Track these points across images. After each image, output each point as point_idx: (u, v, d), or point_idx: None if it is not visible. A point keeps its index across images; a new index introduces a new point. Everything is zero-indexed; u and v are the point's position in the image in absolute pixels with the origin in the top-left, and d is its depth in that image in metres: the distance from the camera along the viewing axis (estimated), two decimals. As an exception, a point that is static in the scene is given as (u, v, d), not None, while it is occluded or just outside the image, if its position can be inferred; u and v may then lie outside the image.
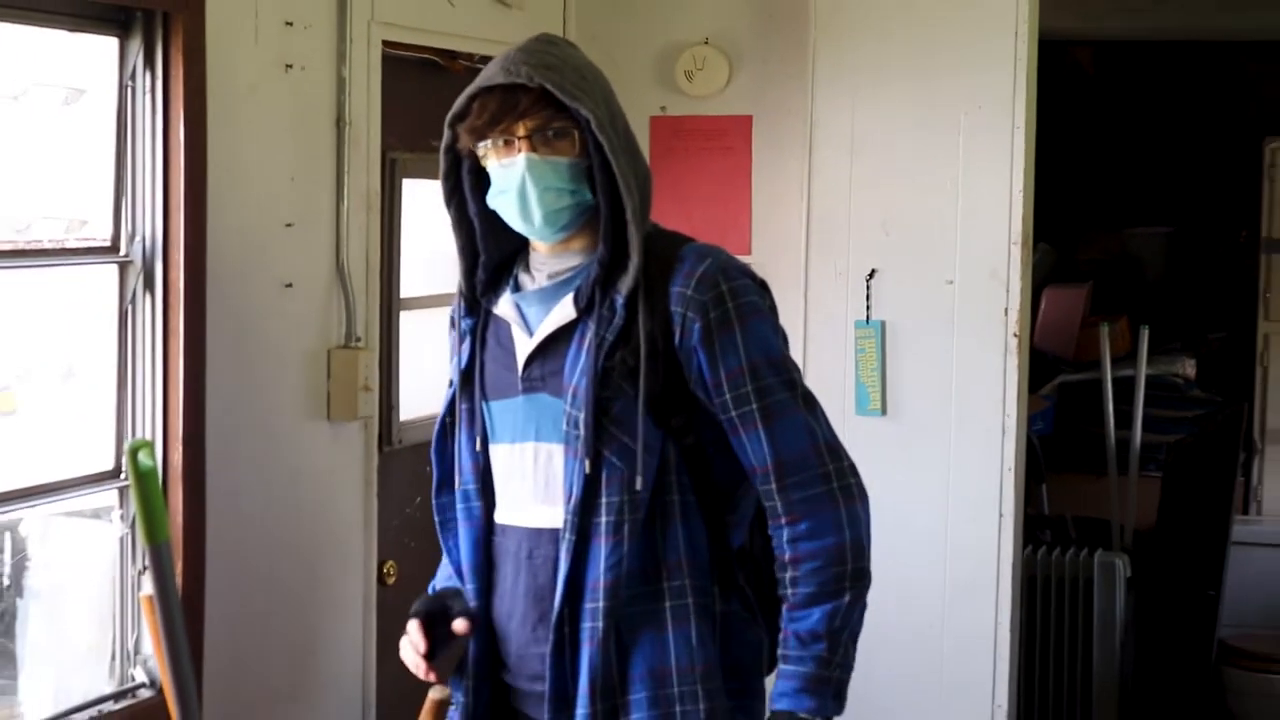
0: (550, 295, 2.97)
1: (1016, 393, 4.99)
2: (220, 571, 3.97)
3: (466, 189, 3.02)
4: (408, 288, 4.81)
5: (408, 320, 4.82)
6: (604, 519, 2.88)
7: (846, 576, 2.90)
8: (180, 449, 3.86)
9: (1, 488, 3.63)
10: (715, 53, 5.31)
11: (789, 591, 2.91)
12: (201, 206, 3.87)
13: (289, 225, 4.23)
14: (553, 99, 2.86)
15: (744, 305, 2.92)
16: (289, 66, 4.20)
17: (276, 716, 4.12)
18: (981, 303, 5.00)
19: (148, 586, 3.71)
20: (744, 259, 5.21)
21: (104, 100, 3.81)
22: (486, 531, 3.08)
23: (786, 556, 2.91)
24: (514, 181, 2.88)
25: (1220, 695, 7.02)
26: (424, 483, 4.85)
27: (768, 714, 2.92)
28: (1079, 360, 7.76)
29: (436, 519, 3.20)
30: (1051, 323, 7.80)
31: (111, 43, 3.79)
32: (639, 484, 2.88)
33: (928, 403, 5.04)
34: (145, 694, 3.87)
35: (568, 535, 2.89)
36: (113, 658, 3.90)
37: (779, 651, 2.93)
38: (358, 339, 4.44)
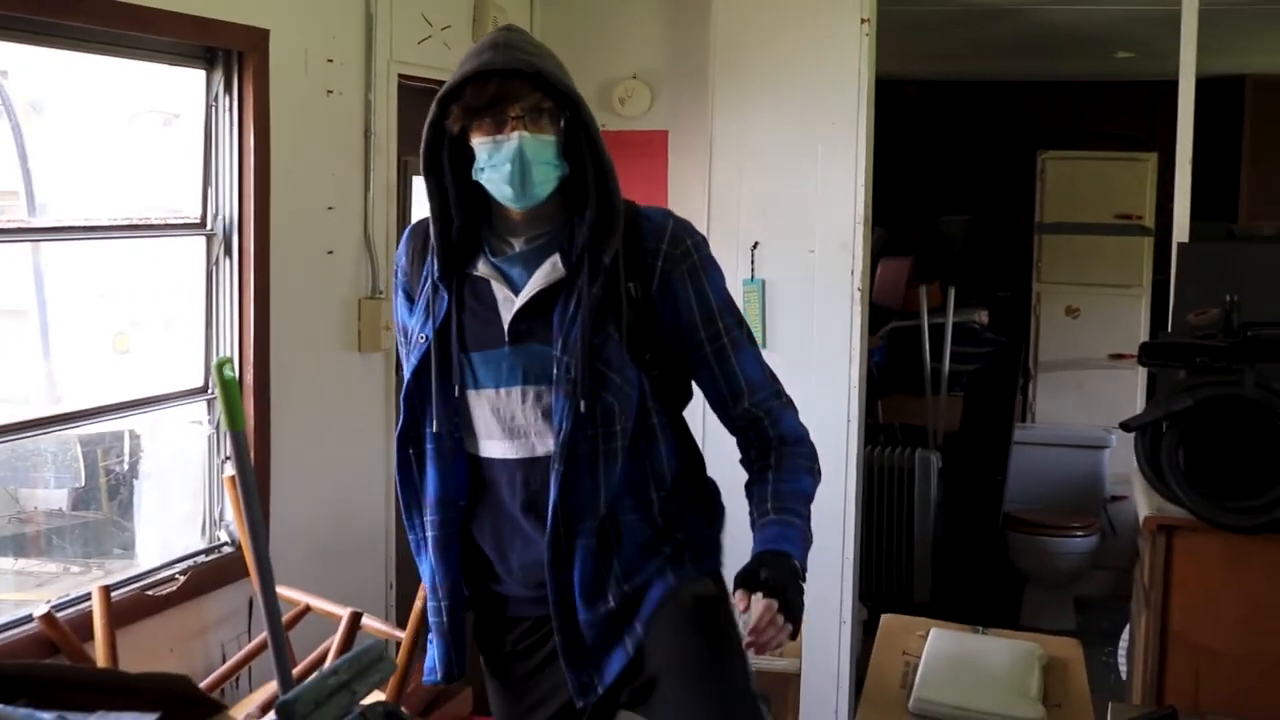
0: (532, 257, 2.62)
1: (859, 333, 5.02)
2: (281, 459, 4.01)
3: (445, 162, 2.62)
4: (416, 255, 4.81)
5: (417, 279, 4.82)
6: (600, 448, 2.58)
7: (817, 462, 2.73)
8: (252, 371, 3.89)
9: (122, 399, 3.68)
10: (641, 84, 5.33)
11: (779, 462, 2.68)
12: (266, 194, 3.90)
13: (330, 208, 4.24)
14: (540, 83, 2.53)
15: (706, 258, 2.69)
16: (330, 92, 4.20)
17: (326, 565, 4.15)
18: (834, 267, 5.03)
19: (230, 470, 3.74)
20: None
21: (193, 119, 3.82)
22: (458, 465, 2.68)
23: (777, 438, 2.69)
24: (509, 156, 2.52)
25: (1005, 553, 7.11)
26: (429, 398, 4.91)
27: (772, 547, 2.58)
28: (905, 311, 7.81)
29: (398, 456, 2.73)
30: (884, 284, 7.85)
31: (200, 74, 3.80)
32: (629, 414, 2.60)
33: (796, 340, 5.07)
34: (227, 550, 3.90)
35: (557, 465, 2.56)
36: (203, 523, 3.93)
37: (769, 505, 2.64)
38: (380, 291, 4.45)
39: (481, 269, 2.64)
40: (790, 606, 2.50)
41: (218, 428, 3.88)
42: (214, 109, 3.83)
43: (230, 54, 3.82)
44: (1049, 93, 9.23)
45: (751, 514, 2.67)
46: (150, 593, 3.61)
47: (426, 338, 2.65)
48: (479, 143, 2.57)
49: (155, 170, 3.89)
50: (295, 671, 3.17)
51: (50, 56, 3.41)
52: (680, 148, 5.33)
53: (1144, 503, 4.34)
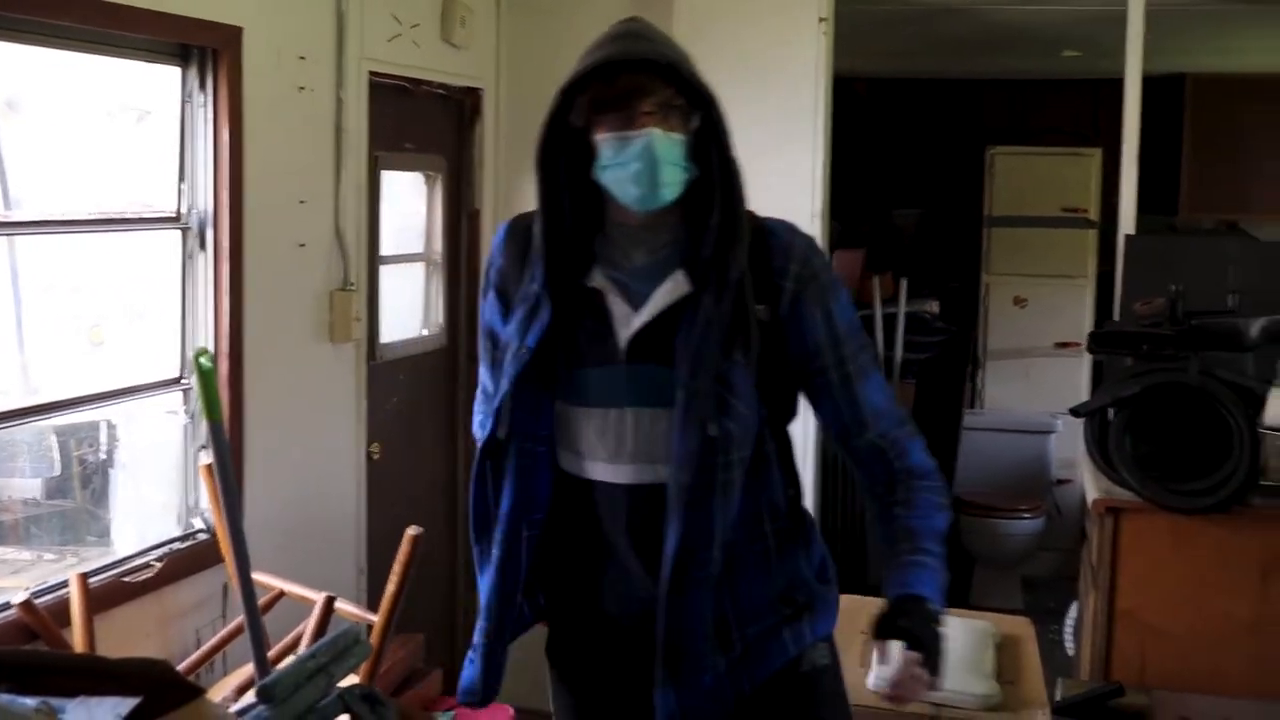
0: (654, 271, 2.35)
1: (817, 322, 5.02)
2: (255, 448, 3.98)
3: (558, 161, 2.34)
4: (385, 247, 4.79)
5: (386, 271, 4.80)
6: (718, 477, 2.29)
7: (948, 496, 2.47)
8: (226, 362, 3.86)
9: (98, 390, 3.64)
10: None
11: (909, 497, 2.40)
12: (240, 188, 3.86)
13: (302, 202, 4.21)
14: (674, 77, 2.27)
15: (833, 279, 2.43)
16: (302, 89, 4.16)
17: (299, 551, 4.12)
18: (792, 259, 5.03)
19: (206, 458, 3.71)
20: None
21: (168, 115, 3.78)
22: (540, 480, 2.42)
23: (904, 471, 2.42)
24: (638, 153, 2.25)
25: (956, 534, 7.15)
26: (399, 388, 4.90)
27: (907, 590, 2.33)
28: (859, 301, 7.83)
29: (477, 468, 2.48)
30: (839, 274, 7.86)
31: (176, 71, 3.76)
32: (749, 443, 2.34)
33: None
34: (202, 537, 3.86)
35: (680, 494, 2.28)
36: (178, 511, 3.89)
37: (902, 544, 2.37)
38: (351, 284, 4.42)
39: (597, 280, 2.37)
40: (931, 657, 2.27)
41: (193, 417, 3.84)
42: (189, 105, 3.80)
43: (204, 51, 3.78)
44: (998, 90, 9.24)
45: (883, 552, 2.43)
46: (127, 579, 3.58)
47: (529, 349, 2.36)
48: (604, 138, 2.28)
49: (130, 166, 3.85)
50: (270, 655, 3.15)
51: (26, 54, 3.36)
52: (643, 143, 5.30)
53: (1092, 486, 4.36)
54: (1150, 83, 5.11)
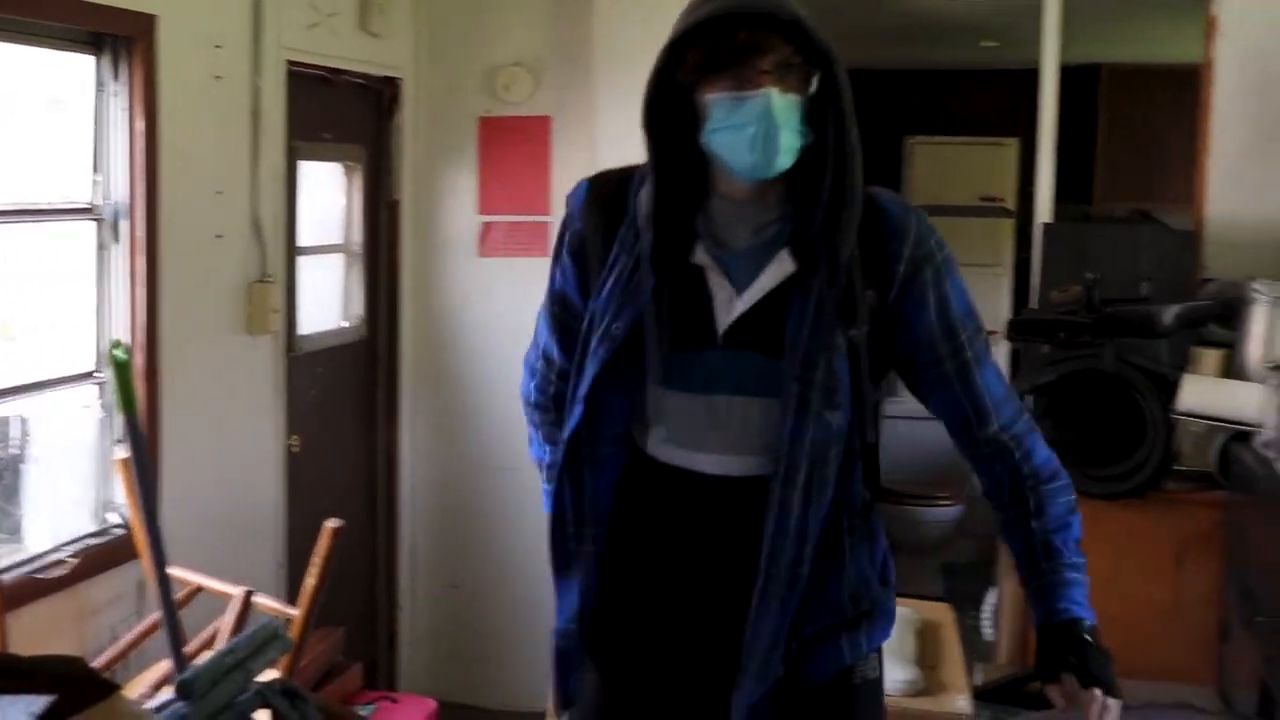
0: (760, 251, 2.16)
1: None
2: (172, 441, 3.93)
3: (665, 120, 2.16)
4: (303, 239, 4.75)
5: (304, 262, 4.76)
6: (817, 473, 2.12)
7: (1074, 495, 2.29)
8: (142, 355, 3.81)
9: (10, 384, 3.59)
10: (524, 71, 5.29)
11: (1040, 505, 2.22)
12: (155, 179, 3.81)
13: (219, 192, 4.16)
14: (795, 34, 2.07)
15: (949, 259, 2.22)
16: (218, 77, 4.12)
17: (218, 545, 4.08)
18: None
19: (121, 452, 3.67)
20: (545, 218, 5.33)
21: (81, 104, 3.73)
22: (616, 472, 2.25)
23: (1035, 476, 2.23)
24: (754, 115, 2.05)
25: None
26: (318, 380, 4.87)
27: (1058, 618, 2.18)
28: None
29: (565, 458, 2.25)
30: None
31: (90, 59, 3.71)
32: (844, 438, 2.16)
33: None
34: (118, 532, 3.81)
35: (786, 491, 2.11)
36: (93, 506, 3.84)
37: (1043, 563, 2.21)
38: (269, 275, 4.38)
39: (699, 257, 2.18)
40: (1108, 685, 2.13)
41: (109, 411, 3.80)
42: (102, 94, 3.74)
43: (118, 40, 3.72)
44: (917, 80, 9.30)
45: (1020, 568, 2.27)
46: (40, 576, 3.53)
47: (617, 336, 2.17)
48: (716, 98, 2.09)
49: (43, 156, 3.80)
50: (187, 651, 3.12)
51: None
52: (564, 133, 5.30)
53: (1010, 473, 4.40)
54: (1066, 73, 5.17)
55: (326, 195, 5.05)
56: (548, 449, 2.48)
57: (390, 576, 5.46)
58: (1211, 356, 4.39)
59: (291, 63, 4.49)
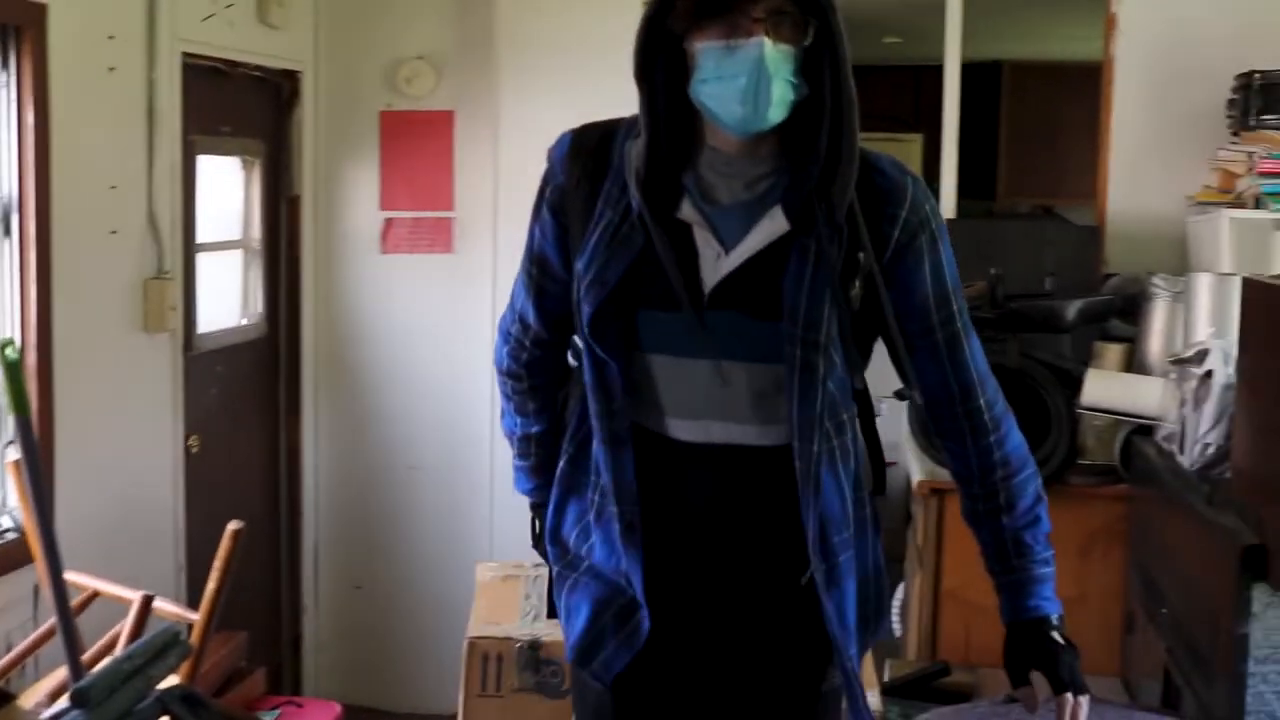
0: (751, 207, 2.07)
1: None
2: (67, 442, 3.85)
3: (656, 69, 2.05)
4: (201, 235, 4.67)
5: (202, 259, 4.69)
6: (833, 442, 2.09)
7: (1041, 483, 2.24)
8: (34, 354, 3.73)
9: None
10: (426, 65, 5.24)
11: (1010, 497, 2.18)
12: (47, 173, 3.74)
13: (113, 187, 4.09)
14: None
15: (943, 227, 2.16)
16: (112, 69, 4.04)
17: (115, 549, 4.01)
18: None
19: (13, 454, 3.58)
20: (448, 214, 5.29)
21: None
22: (629, 456, 2.14)
23: (1007, 464, 2.19)
24: (746, 66, 1.95)
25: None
26: (217, 379, 4.79)
27: (1027, 615, 2.17)
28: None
29: (608, 429, 2.14)
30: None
31: (-25, 49, 3.63)
32: (850, 404, 2.14)
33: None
34: (10, 536, 3.73)
35: (814, 463, 2.07)
36: (-16, 510, 3.77)
37: (1013, 558, 2.18)
38: (166, 272, 4.30)
39: (686, 212, 2.08)
40: (1077, 686, 2.13)
41: (0, 412, 3.71)
42: (-10, 86, 3.67)
43: (6, 29, 3.64)
44: (819, 76, 9.34)
45: (989, 561, 2.23)
46: (-70, 582, 3.45)
47: (608, 284, 2.08)
48: (706, 47, 2.00)
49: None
50: (85, 658, 3.05)
51: None
52: (467, 128, 5.26)
53: (916, 468, 4.43)
54: (969, 69, 5.21)
55: (225, 190, 4.97)
56: (519, 420, 2.39)
57: (294, 578, 5.40)
58: (1114, 351, 4.44)
59: (187, 54, 4.42)
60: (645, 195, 2.06)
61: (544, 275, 2.25)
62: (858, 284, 2.06)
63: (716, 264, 2.07)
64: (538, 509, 2.38)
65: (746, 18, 1.96)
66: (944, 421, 2.23)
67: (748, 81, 1.96)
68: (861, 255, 2.05)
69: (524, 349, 2.34)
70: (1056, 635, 2.15)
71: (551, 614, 2.35)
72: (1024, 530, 2.19)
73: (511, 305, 2.36)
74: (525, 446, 2.39)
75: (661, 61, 2.04)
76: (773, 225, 2.06)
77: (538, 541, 2.39)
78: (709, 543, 2.16)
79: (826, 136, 2.01)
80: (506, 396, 2.41)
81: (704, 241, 2.08)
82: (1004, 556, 2.19)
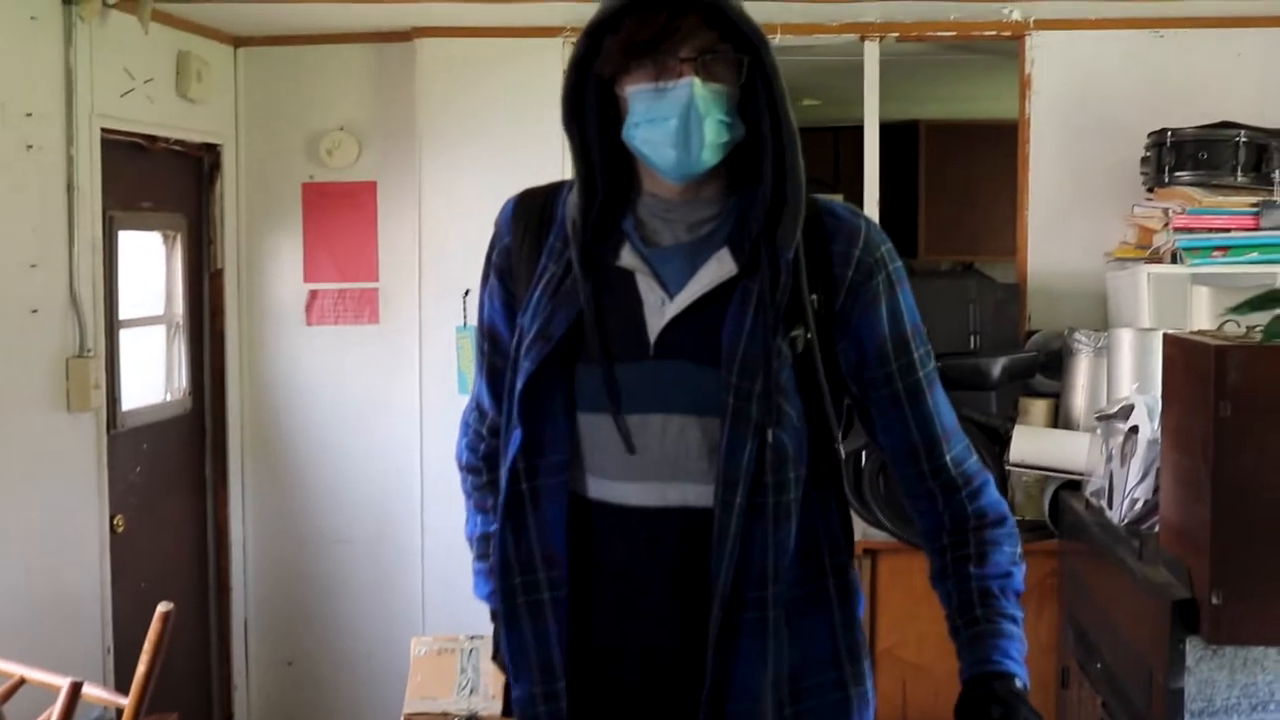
0: (694, 250, 1.98)
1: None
2: (-11, 527, 3.80)
3: (586, 115, 1.98)
4: (125, 311, 4.63)
5: (125, 335, 4.64)
6: (770, 498, 1.92)
7: (1019, 543, 2.08)
8: (-45, 436, 3.68)
9: None
10: (348, 136, 5.24)
11: (981, 550, 2.02)
12: (-35, 253, 3.70)
13: (34, 265, 4.04)
14: (718, 20, 1.91)
15: (899, 270, 2.04)
16: (30, 147, 4.01)
17: (39, 634, 3.94)
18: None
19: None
20: (372, 284, 5.27)
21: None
22: (560, 522, 2.01)
23: (981, 515, 2.04)
24: (676, 108, 1.89)
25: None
26: (142, 457, 4.73)
27: (988, 668, 1.97)
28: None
29: (508, 493, 2.01)
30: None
31: (-110, 130, 3.59)
32: (803, 458, 1.97)
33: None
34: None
35: (735, 518, 1.91)
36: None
37: (978, 610, 1.99)
38: (89, 349, 4.26)
39: (626, 259, 2.00)
40: None
41: (-82, 496, 3.65)
42: (-94, 166, 3.63)
43: (-78, 109, 3.62)
44: (739, 139, 9.42)
45: (952, 616, 2.05)
46: None
47: (551, 338, 1.97)
48: (636, 90, 1.93)
49: None
50: (12, 747, 2.99)
51: None
52: (390, 198, 5.25)
53: (849, 527, 4.45)
54: (887, 129, 5.28)
55: (147, 265, 4.93)
56: (480, 518, 2.27)
57: (224, 656, 5.32)
58: (1040, 407, 4.50)
59: (106, 130, 4.39)
60: (582, 244, 1.99)
61: (494, 351, 2.15)
62: (804, 329, 1.96)
63: (661, 309, 1.98)
64: (498, 617, 2.13)
65: (675, 58, 1.90)
66: (910, 481, 2.08)
67: (679, 123, 1.90)
68: (814, 297, 1.97)
69: (481, 439, 2.24)
70: (1019, 692, 1.96)
71: (496, 652, 2.21)
72: (992, 581, 2.02)
73: (471, 394, 2.27)
74: (484, 547, 2.24)
75: (594, 105, 1.98)
76: (720, 268, 1.96)
77: (498, 652, 2.18)
78: (647, 620, 2.01)
79: (769, 175, 1.95)
80: (467, 494, 2.31)
81: (647, 288, 1.99)
82: (967, 608, 2.02)
